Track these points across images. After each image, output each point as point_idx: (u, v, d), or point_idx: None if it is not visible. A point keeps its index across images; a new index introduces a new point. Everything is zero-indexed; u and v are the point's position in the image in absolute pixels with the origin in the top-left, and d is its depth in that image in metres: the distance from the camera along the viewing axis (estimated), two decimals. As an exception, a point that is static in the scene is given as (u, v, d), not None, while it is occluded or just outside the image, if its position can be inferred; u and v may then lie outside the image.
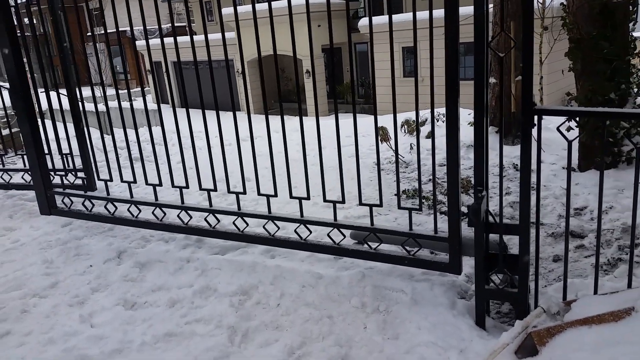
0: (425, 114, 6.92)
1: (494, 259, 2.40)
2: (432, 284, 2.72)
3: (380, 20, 13.03)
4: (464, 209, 3.15)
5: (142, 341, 2.46)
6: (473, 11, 2.15)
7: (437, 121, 6.31)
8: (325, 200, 3.03)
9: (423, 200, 4.14)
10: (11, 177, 4.79)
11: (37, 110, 4.08)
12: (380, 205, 2.90)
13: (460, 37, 2.32)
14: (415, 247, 2.82)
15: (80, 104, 3.88)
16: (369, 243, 2.92)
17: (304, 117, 3.09)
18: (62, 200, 4.05)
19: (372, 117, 2.87)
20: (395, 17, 2.74)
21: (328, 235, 3.03)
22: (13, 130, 5.34)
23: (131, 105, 3.33)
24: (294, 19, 2.78)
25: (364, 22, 15.49)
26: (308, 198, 3.08)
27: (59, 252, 3.49)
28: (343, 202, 2.98)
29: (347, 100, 18.05)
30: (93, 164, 4.00)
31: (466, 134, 2.93)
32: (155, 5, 3.22)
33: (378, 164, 2.87)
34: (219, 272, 3.08)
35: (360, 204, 2.94)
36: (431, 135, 2.66)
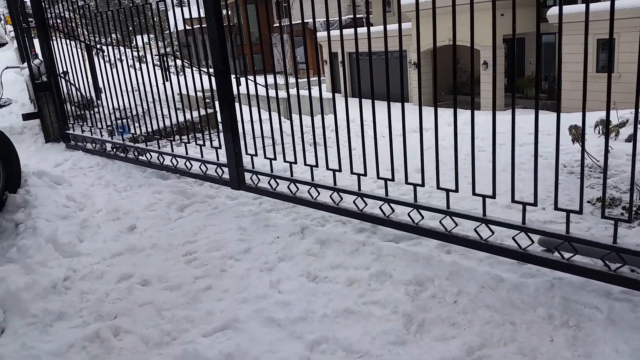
0: (625, 114, 6.16)
1: None
2: (635, 305, 2.43)
3: (572, 9, 11.83)
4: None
5: (324, 313, 2.62)
6: None
7: (641, 124, 5.55)
8: (513, 200, 2.88)
9: (624, 211, 3.69)
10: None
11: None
12: (580, 212, 2.65)
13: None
14: (616, 262, 2.53)
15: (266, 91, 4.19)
16: (561, 252, 2.70)
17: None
18: (251, 178, 4.42)
19: (555, 114, 2.64)
20: (586, 6, 2.48)
21: (513, 238, 2.88)
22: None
23: (321, 93, 3.52)
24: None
25: (553, 11, 14.22)
26: (493, 196, 2.96)
27: (251, 221, 3.87)
28: (535, 204, 2.79)
29: (526, 95, 16.81)
30: (275, 147, 4.31)
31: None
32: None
33: (582, 164, 2.63)
34: (393, 259, 3.13)
35: (557, 208, 2.73)
36: (633, 138, 2.36)
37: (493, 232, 2.99)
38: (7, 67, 8.87)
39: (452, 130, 3.11)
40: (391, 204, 3.44)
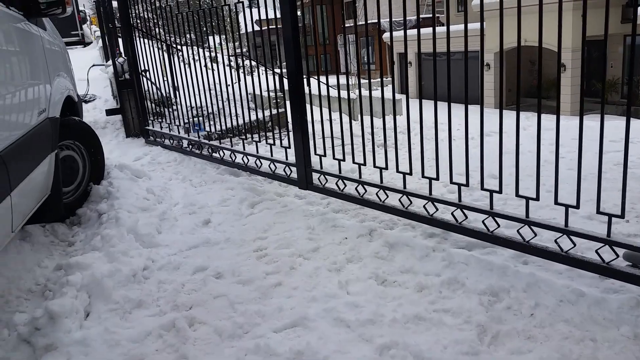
0: None
1: None
2: None
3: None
4: None
5: (393, 317, 2.60)
6: None
7: None
8: (598, 211, 2.73)
9: None
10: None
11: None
12: (676, 227, 2.47)
13: None
14: None
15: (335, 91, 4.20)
16: (651, 268, 2.53)
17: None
18: (319, 179, 4.43)
19: (639, 120, 2.47)
20: None
21: (596, 251, 2.73)
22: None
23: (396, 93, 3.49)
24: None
25: (641, 10, 13.32)
26: (577, 207, 2.82)
27: (319, 221, 3.90)
28: (622, 216, 2.63)
29: (607, 100, 15.88)
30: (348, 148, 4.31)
31: None
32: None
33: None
34: (465, 267, 3.05)
35: (648, 221, 2.56)
36: None
37: (575, 244, 2.84)
38: (93, 65, 9.46)
39: (526, 135, 2.98)
40: (464, 210, 3.35)
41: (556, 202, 2.89)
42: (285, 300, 2.88)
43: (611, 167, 4.94)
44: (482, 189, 3.27)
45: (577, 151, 2.81)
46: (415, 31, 3.48)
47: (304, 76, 4.38)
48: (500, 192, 3.18)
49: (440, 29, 3.26)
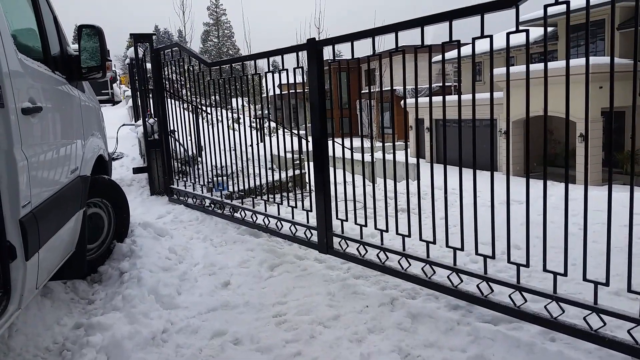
0: None
1: None
2: None
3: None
4: None
5: (418, 396, 2.50)
6: None
7: None
8: (630, 290, 2.66)
9: None
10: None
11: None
12: None
13: None
14: None
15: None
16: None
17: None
18: (339, 243, 4.42)
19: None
20: None
21: (628, 332, 2.63)
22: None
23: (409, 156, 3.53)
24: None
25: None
26: (607, 284, 2.75)
27: (339, 287, 3.85)
28: (657, 296, 2.56)
29: (625, 171, 15.80)
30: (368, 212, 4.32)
31: None
32: (429, 68, 3.45)
33: None
34: (492, 342, 2.96)
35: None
36: None
37: (605, 323, 2.75)
38: (123, 124, 9.81)
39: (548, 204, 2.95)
40: (489, 283, 3.29)
41: (584, 279, 2.82)
42: (305, 371, 2.81)
43: (636, 240, 4.83)
44: (509, 262, 3.21)
45: (599, 223, 2.77)
46: (438, 98, 3.59)
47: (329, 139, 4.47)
48: (527, 265, 3.12)
49: (464, 97, 3.35)
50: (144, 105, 7.33)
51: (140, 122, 7.87)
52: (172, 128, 6.80)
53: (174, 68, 6.43)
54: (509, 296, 3.15)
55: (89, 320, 3.13)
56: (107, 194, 4.35)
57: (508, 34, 2.96)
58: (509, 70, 3.10)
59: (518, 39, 3.14)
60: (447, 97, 3.47)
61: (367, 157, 4.83)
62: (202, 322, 3.39)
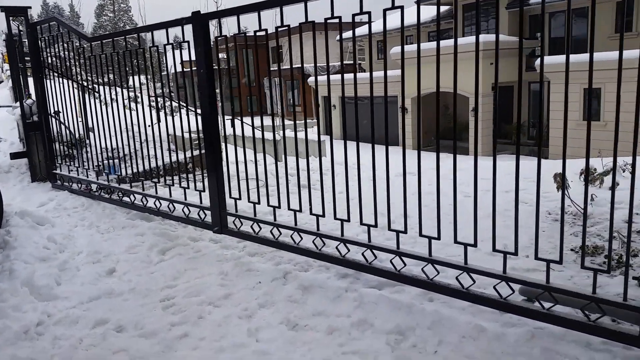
0: (610, 162, 6.25)
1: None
2: (614, 356, 2.40)
3: (561, 59, 12.16)
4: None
5: (301, 364, 2.55)
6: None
7: (624, 171, 5.63)
8: (494, 249, 2.88)
9: (604, 261, 3.69)
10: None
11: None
12: (560, 262, 2.65)
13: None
14: (596, 313, 2.51)
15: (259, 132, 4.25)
16: (541, 302, 2.68)
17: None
18: (234, 222, 4.36)
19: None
20: (577, 57, 2.67)
21: (494, 287, 2.86)
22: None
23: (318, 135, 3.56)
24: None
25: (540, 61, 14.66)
26: (475, 245, 2.96)
27: (233, 266, 3.82)
28: (515, 253, 2.79)
29: (514, 141, 17.08)
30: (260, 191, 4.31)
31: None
32: (326, 46, 3.47)
33: (562, 212, 2.65)
34: (375, 306, 3.09)
35: (537, 258, 2.73)
36: (611, 186, 2.41)
37: (474, 281, 2.96)
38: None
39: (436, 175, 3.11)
40: (374, 251, 3.42)
41: (455, 241, 3.01)
42: (191, 352, 2.76)
43: (512, 205, 5.24)
44: (390, 229, 3.35)
45: (487, 190, 2.96)
46: (338, 76, 3.60)
47: (228, 118, 4.36)
48: (405, 232, 3.27)
49: (362, 75, 3.40)
50: (21, 85, 6.71)
51: (18, 103, 7.21)
52: (56, 109, 6.29)
53: (56, 45, 5.92)
54: (391, 261, 3.29)
55: (-54, 321, 2.85)
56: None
57: (402, 11, 3.03)
58: (404, 48, 3.17)
59: (418, 17, 3.18)
60: (346, 75, 3.50)
61: (276, 136, 4.79)
62: (83, 311, 3.21)
